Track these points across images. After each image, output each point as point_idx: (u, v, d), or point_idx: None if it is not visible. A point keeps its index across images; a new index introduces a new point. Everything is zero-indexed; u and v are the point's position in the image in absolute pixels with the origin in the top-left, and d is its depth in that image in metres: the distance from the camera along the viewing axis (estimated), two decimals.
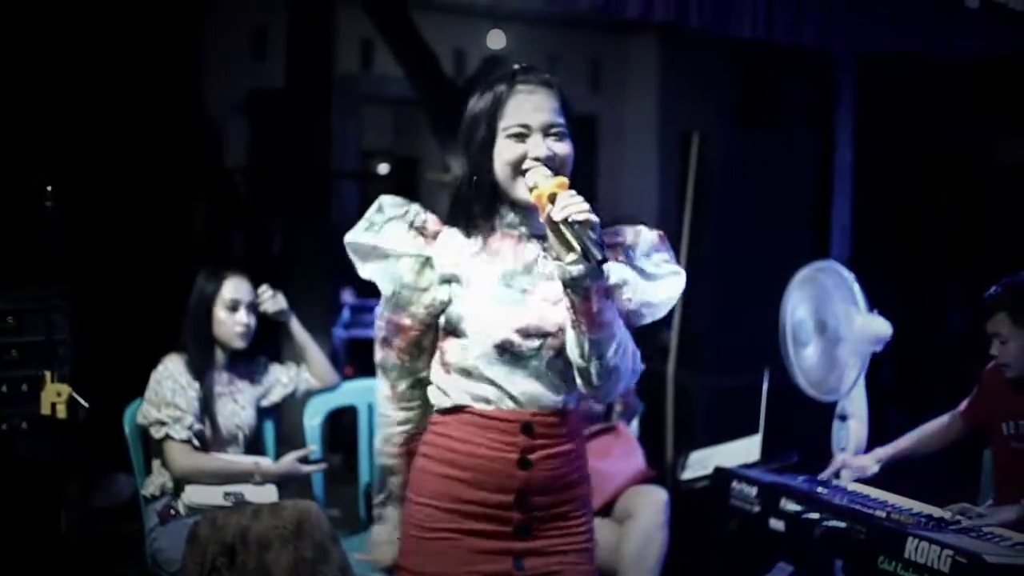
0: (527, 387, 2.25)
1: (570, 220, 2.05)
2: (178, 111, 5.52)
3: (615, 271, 2.22)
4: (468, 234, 2.30)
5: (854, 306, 3.88)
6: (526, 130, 2.22)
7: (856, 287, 3.92)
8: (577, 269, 2.07)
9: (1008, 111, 5.82)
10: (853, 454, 3.96)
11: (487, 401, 2.26)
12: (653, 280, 2.30)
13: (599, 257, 2.04)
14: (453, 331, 2.28)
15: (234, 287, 3.77)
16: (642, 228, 2.33)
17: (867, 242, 6.38)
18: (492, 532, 2.27)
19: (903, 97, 6.26)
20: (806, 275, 4.05)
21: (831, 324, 3.93)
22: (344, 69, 7.17)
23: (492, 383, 2.25)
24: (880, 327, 4.03)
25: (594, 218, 2.06)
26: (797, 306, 4.06)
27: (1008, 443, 3.67)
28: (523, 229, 2.29)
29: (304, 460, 3.79)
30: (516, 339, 2.22)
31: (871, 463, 3.82)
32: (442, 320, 2.31)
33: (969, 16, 5.07)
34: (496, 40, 7.72)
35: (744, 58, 6.77)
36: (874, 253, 6.44)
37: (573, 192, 2.10)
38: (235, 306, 3.75)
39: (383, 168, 11.18)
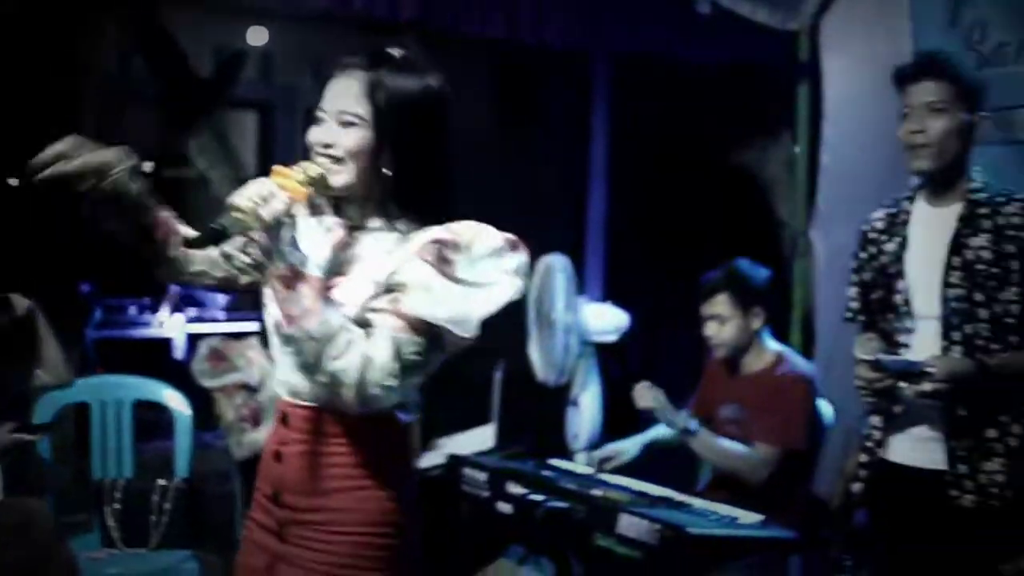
0: (288, 375, 2.11)
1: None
2: None
3: (402, 272, 2.03)
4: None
5: (571, 296, 4.03)
6: (323, 115, 2.10)
7: (566, 277, 4.06)
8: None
9: (741, 113, 6.10)
10: (586, 440, 4.11)
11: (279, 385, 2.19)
12: (471, 289, 2.03)
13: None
14: None
15: None
16: (485, 229, 2.08)
17: (623, 237, 6.57)
18: (264, 525, 2.17)
19: (653, 97, 6.47)
20: (536, 267, 4.19)
21: (549, 313, 4.07)
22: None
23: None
24: (612, 317, 4.20)
25: (235, 201, 1.92)
26: (528, 296, 4.21)
27: (724, 427, 3.86)
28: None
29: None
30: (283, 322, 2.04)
31: (623, 450, 3.97)
32: None
33: (705, 22, 5.30)
34: (258, 38, 7.61)
35: (503, 59, 6.89)
36: (630, 248, 6.64)
37: (264, 181, 1.97)
38: None
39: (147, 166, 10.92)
